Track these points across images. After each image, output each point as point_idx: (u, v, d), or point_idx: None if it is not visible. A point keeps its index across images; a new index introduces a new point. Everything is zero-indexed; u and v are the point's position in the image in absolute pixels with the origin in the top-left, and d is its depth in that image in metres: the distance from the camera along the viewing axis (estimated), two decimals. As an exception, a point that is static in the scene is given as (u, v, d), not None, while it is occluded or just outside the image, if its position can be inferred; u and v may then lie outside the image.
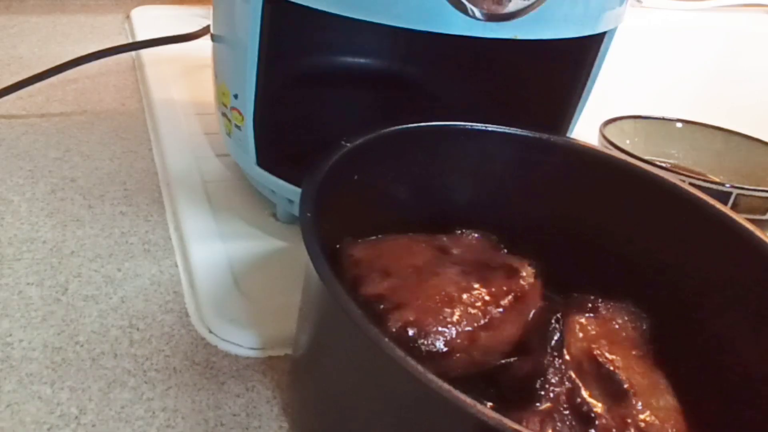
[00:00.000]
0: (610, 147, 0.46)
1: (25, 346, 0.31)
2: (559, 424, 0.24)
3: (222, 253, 0.37)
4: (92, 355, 0.31)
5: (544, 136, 0.32)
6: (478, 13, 0.29)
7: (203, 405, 0.29)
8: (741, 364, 0.27)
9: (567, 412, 0.24)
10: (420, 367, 0.18)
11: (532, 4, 0.29)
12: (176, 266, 0.37)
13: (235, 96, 0.37)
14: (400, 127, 0.30)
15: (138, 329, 0.33)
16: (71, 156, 0.47)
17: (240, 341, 0.32)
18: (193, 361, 0.31)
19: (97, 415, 0.28)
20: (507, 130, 0.32)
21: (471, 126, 0.32)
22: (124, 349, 0.31)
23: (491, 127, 0.32)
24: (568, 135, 0.39)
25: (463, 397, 0.17)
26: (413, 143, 0.31)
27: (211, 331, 0.33)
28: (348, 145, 0.27)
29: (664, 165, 0.48)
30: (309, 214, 0.23)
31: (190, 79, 0.59)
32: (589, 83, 0.37)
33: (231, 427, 0.28)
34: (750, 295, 0.27)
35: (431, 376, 0.17)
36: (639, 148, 0.49)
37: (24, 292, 0.34)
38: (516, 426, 0.16)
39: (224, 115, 0.39)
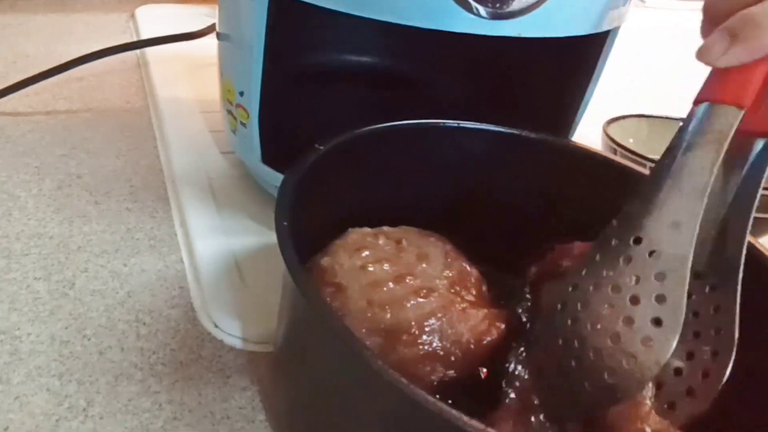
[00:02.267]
0: (614, 145, 0.46)
1: (33, 339, 0.31)
2: (533, 418, 0.24)
3: (227, 249, 0.38)
4: (99, 349, 0.31)
5: (524, 132, 0.32)
6: (482, 11, 0.29)
7: (209, 398, 0.30)
8: (740, 364, 0.27)
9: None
10: (403, 379, 0.17)
11: (536, 2, 0.29)
12: (182, 262, 0.38)
13: (241, 93, 0.37)
14: (372, 127, 0.29)
15: (144, 323, 0.33)
16: (77, 153, 0.47)
17: (245, 335, 0.33)
18: (199, 354, 0.32)
19: (105, 408, 0.28)
20: (483, 127, 0.32)
21: (445, 123, 0.31)
22: (131, 343, 0.32)
23: (465, 124, 0.31)
24: (571, 133, 0.39)
25: (445, 407, 0.17)
26: (388, 143, 0.31)
27: (216, 326, 0.33)
28: (321, 148, 0.27)
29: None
30: (285, 224, 0.23)
31: (194, 77, 0.59)
32: (592, 82, 0.37)
33: (237, 420, 0.29)
34: (749, 295, 0.27)
35: (414, 388, 0.17)
36: (642, 146, 0.49)
37: (32, 286, 0.34)
38: None
39: (229, 112, 0.40)
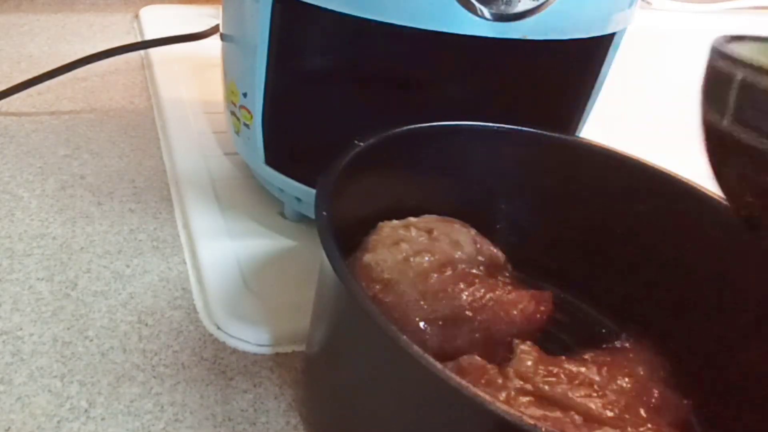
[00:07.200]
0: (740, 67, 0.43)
1: (35, 340, 0.31)
2: None
3: (230, 251, 0.38)
4: (102, 350, 0.31)
5: (556, 135, 0.33)
6: (487, 13, 0.29)
7: (211, 400, 0.29)
8: (741, 364, 0.27)
9: None
10: (439, 366, 0.18)
11: (542, 4, 0.29)
12: (185, 263, 0.38)
13: (244, 94, 0.37)
14: (412, 126, 0.30)
15: (147, 325, 0.33)
16: (80, 153, 0.47)
17: (248, 338, 0.33)
18: (202, 356, 0.32)
19: (107, 409, 0.28)
20: (519, 129, 0.32)
21: (482, 125, 0.32)
22: (133, 345, 0.32)
23: (503, 127, 0.32)
24: (575, 135, 0.39)
25: (484, 394, 0.17)
26: (425, 143, 0.31)
27: (219, 328, 0.33)
28: (361, 144, 0.28)
29: None
30: (325, 213, 0.23)
31: (198, 78, 0.59)
32: (597, 84, 0.37)
33: (238, 422, 0.29)
34: (754, 294, 0.27)
35: (452, 375, 0.18)
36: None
37: (34, 287, 0.34)
38: (534, 422, 0.17)
39: (233, 113, 0.40)
